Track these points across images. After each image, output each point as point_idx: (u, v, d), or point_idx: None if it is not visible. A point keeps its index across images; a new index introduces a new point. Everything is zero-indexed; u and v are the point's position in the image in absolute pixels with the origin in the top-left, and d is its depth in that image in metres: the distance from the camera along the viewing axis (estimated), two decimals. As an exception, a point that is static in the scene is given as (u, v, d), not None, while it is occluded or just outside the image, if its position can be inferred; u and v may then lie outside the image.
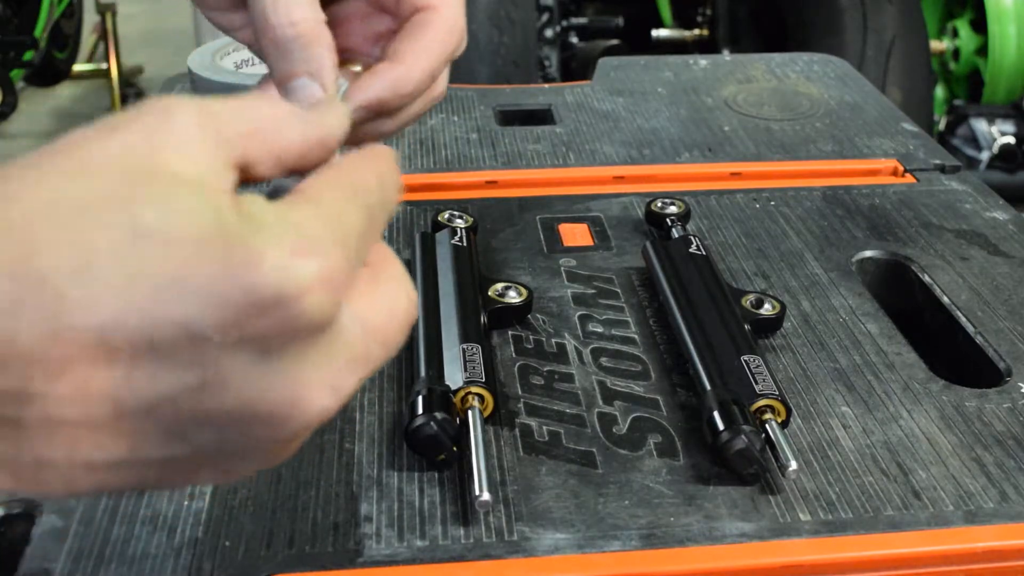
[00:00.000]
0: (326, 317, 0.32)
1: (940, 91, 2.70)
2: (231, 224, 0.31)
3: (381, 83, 0.48)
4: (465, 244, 0.72)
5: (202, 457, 0.33)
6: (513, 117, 1.05)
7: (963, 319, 0.72)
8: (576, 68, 2.58)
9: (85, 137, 0.32)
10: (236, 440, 0.33)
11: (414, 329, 0.65)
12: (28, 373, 0.29)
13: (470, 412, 0.58)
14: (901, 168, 0.94)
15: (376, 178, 0.37)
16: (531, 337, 0.69)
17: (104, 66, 3.51)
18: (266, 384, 0.32)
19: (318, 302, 0.32)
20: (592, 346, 0.68)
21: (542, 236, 0.81)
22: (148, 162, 0.31)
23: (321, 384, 0.33)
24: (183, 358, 0.30)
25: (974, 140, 2.45)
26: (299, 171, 0.37)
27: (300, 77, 0.46)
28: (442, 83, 0.53)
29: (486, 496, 0.53)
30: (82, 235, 0.29)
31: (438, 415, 0.56)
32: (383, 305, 0.36)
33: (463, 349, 0.61)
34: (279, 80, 0.46)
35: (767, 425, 0.57)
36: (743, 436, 0.56)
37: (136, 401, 0.31)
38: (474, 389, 0.59)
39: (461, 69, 1.42)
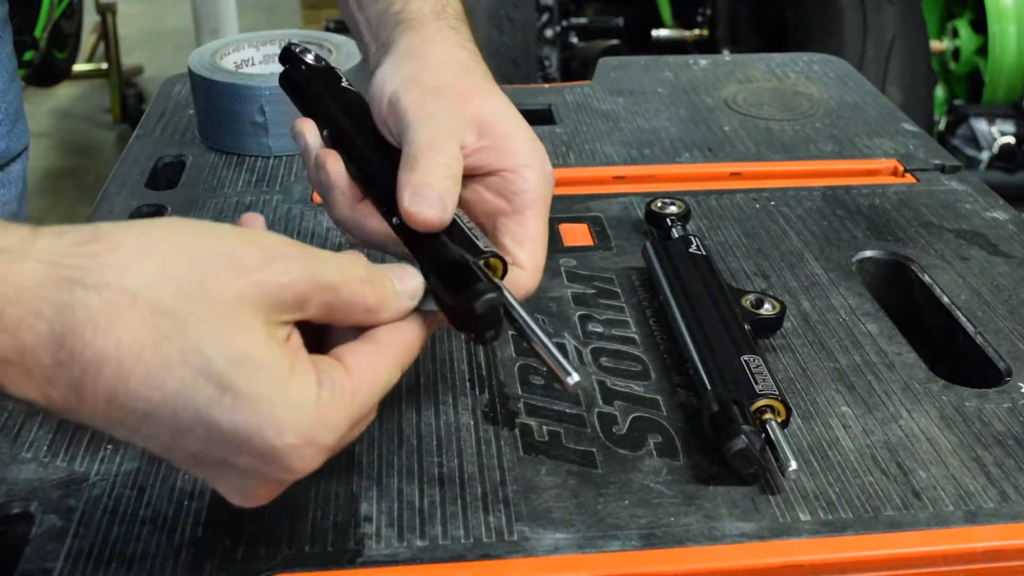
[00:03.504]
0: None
1: (940, 91, 2.70)
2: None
3: (516, 290, 0.57)
4: None
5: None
6: (513, 117, 1.05)
7: (963, 319, 0.72)
8: (576, 68, 2.58)
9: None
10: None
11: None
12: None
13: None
14: (901, 168, 0.94)
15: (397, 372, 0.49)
16: (531, 337, 0.69)
17: (104, 66, 3.51)
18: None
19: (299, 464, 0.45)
20: (592, 346, 0.68)
21: (542, 236, 0.81)
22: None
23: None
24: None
25: (974, 140, 2.45)
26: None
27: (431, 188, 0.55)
28: None
29: (578, 376, 0.50)
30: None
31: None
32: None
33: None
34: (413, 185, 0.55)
35: (767, 425, 0.57)
36: (743, 436, 0.56)
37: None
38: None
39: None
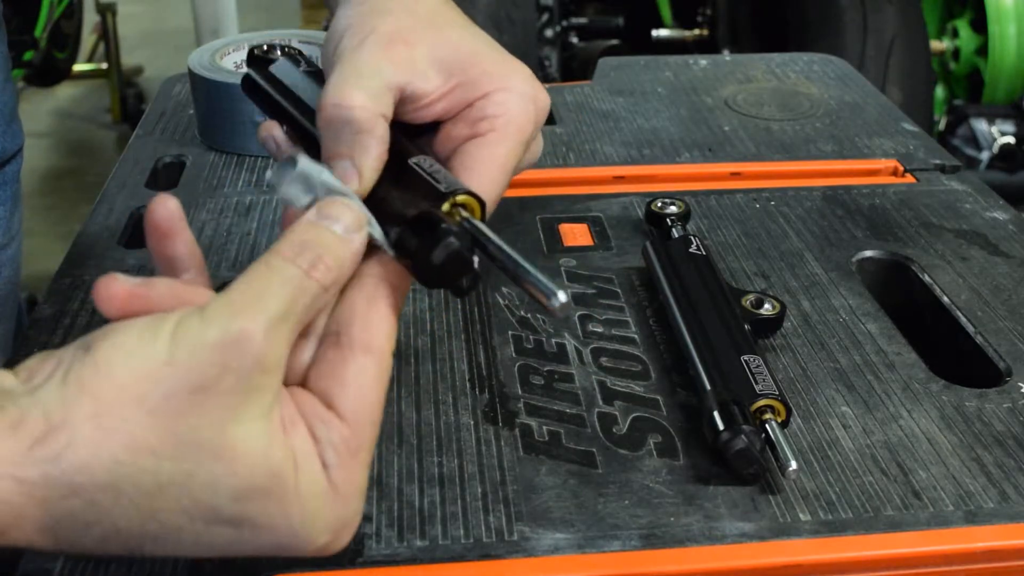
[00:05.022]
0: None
1: (940, 91, 2.70)
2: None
3: None
4: None
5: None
6: (513, 117, 1.05)
7: (963, 319, 0.72)
8: (576, 68, 2.58)
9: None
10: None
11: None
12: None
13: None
14: (901, 168, 0.94)
15: None
16: (531, 337, 0.69)
17: (104, 66, 3.51)
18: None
19: None
20: (592, 346, 0.68)
21: (542, 236, 0.81)
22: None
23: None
24: None
25: (974, 140, 2.45)
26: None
27: (344, 159, 0.49)
28: (535, 149, 0.58)
29: (564, 297, 0.45)
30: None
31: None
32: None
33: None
34: (325, 156, 0.50)
35: (767, 425, 0.57)
36: (743, 436, 0.56)
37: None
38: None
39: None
